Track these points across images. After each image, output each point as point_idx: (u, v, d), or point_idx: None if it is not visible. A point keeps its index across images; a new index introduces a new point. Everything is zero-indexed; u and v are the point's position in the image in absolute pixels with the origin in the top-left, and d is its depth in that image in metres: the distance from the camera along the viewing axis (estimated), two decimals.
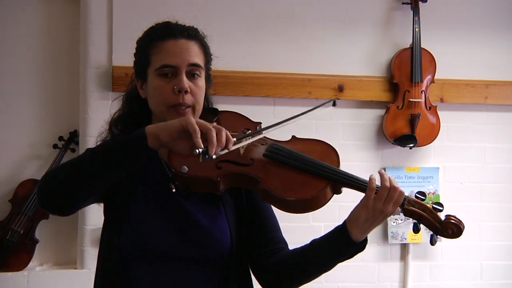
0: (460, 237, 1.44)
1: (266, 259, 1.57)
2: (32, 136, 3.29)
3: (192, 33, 1.59)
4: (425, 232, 3.54)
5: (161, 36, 1.57)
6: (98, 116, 3.08)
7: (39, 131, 3.29)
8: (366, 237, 1.47)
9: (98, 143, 1.63)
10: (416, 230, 1.47)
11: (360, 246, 1.46)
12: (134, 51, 1.65)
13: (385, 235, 3.39)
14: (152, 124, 1.49)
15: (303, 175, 1.47)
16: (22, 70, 3.27)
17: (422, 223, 1.45)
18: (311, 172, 1.47)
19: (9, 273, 3.12)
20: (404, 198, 1.45)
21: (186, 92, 1.53)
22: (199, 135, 1.30)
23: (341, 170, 1.48)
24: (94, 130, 3.07)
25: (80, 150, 3.17)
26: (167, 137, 1.34)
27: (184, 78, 1.53)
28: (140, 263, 1.51)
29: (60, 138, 3.26)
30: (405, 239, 3.37)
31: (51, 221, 3.23)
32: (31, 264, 3.20)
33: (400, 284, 3.44)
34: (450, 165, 3.47)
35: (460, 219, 1.44)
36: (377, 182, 1.45)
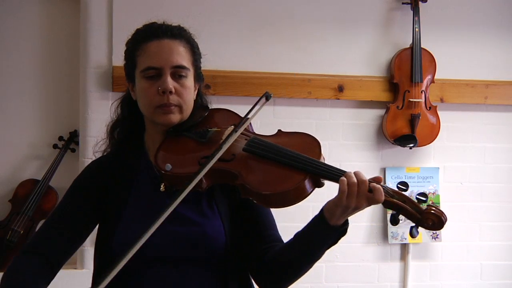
0: (442, 229, 1.39)
1: (260, 258, 1.56)
2: (32, 136, 3.29)
3: (176, 32, 1.58)
4: (425, 232, 3.56)
5: (145, 37, 1.57)
6: (98, 116, 3.08)
7: (39, 131, 3.29)
8: (347, 219, 1.44)
9: (97, 153, 1.68)
10: (394, 222, 1.44)
11: (342, 229, 1.43)
12: None
13: (385, 235, 3.39)
14: (145, 126, 1.60)
15: (281, 169, 1.44)
16: (22, 70, 3.27)
17: (402, 214, 1.39)
18: (289, 165, 1.43)
19: None
20: (382, 188, 1.38)
21: (171, 92, 1.53)
22: None
23: (318, 162, 1.43)
24: (94, 130, 3.08)
25: (80, 150, 3.17)
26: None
27: (168, 79, 1.53)
28: (133, 265, 1.51)
29: (60, 138, 3.27)
30: (405, 239, 3.37)
31: None
32: None
33: (400, 284, 3.44)
34: (450, 165, 3.47)
35: (442, 210, 1.38)
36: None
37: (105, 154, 1.70)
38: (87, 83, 3.10)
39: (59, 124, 3.30)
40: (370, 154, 3.37)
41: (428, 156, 3.44)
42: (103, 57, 3.08)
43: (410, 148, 3.33)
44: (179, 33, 1.58)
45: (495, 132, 3.51)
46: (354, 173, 1.39)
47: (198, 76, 1.64)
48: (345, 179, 1.37)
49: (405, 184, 1.44)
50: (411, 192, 3.39)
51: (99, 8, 3.07)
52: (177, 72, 1.55)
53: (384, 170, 3.37)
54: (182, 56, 1.56)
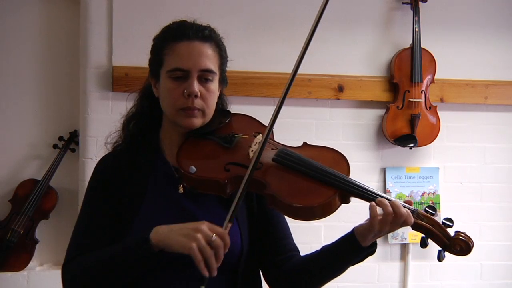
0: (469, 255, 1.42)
1: (278, 268, 1.56)
2: (32, 136, 3.29)
3: (207, 34, 1.56)
4: None
5: (175, 36, 1.55)
6: (98, 116, 3.08)
7: (39, 131, 3.29)
8: (375, 240, 1.48)
9: (108, 144, 1.66)
10: (423, 245, 1.45)
11: (371, 250, 1.47)
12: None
13: (385, 235, 3.38)
14: (163, 124, 1.58)
15: (312, 182, 1.44)
16: (22, 70, 3.27)
17: (430, 238, 1.42)
18: (320, 180, 1.44)
19: (9, 273, 3.12)
20: (413, 211, 1.41)
21: (196, 96, 1.51)
22: (203, 266, 1.31)
23: (351, 179, 1.44)
24: (94, 130, 3.08)
25: (80, 150, 3.17)
26: (169, 249, 1.37)
27: (195, 83, 1.51)
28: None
29: (60, 138, 3.27)
30: (405, 239, 3.37)
31: (51, 221, 3.23)
32: (31, 264, 3.20)
33: (400, 284, 3.44)
34: (450, 165, 3.47)
35: (470, 236, 1.41)
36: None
37: (115, 145, 1.67)
38: (87, 83, 3.10)
39: (59, 124, 3.30)
40: (370, 154, 3.37)
41: (428, 156, 3.44)
42: (103, 57, 3.08)
43: (410, 148, 3.33)
44: (210, 35, 1.57)
45: (495, 132, 3.51)
46: (391, 203, 1.39)
47: (223, 79, 1.62)
48: (375, 205, 1.39)
49: (433, 208, 1.45)
50: (411, 192, 3.40)
51: (99, 8, 3.07)
52: (204, 76, 1.53)
53: (384, 170, 3.37)
54: (210, 60, 1.54)
